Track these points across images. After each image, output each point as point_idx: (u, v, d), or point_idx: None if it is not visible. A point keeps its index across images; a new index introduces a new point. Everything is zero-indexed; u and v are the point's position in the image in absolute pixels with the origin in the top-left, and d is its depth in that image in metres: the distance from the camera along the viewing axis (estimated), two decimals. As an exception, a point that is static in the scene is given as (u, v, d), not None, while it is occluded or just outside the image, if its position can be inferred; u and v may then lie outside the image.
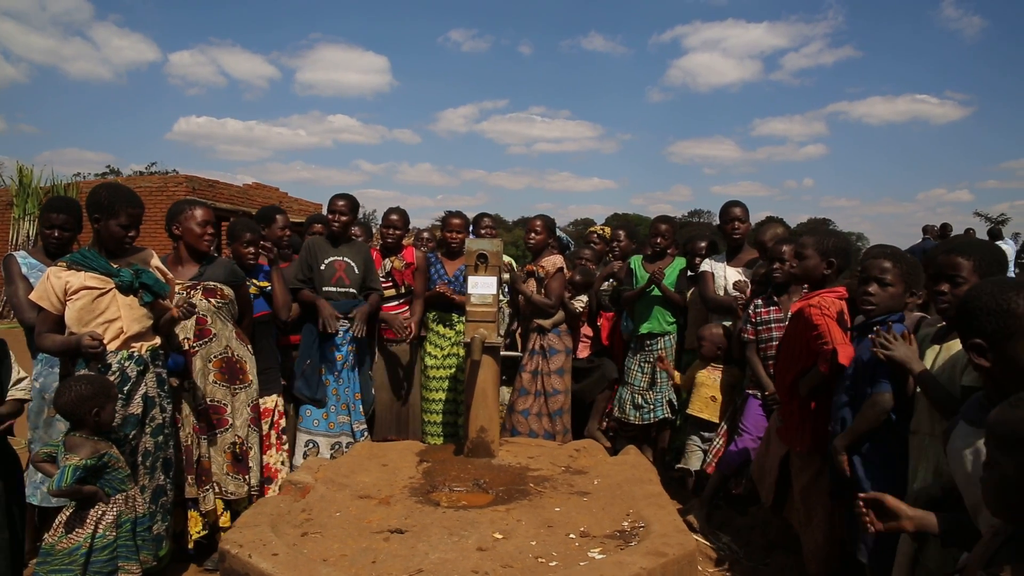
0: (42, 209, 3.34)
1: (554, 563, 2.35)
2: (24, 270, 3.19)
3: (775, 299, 3.60)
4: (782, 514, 3.32)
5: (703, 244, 4.60)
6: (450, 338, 4.44)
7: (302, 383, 3.86)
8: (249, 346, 3.46)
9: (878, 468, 2.42)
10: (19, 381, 2.68)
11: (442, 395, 4.44)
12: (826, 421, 2.71)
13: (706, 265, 4.30)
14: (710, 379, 4.05)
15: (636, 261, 4.70)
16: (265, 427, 3.62)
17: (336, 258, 4.06)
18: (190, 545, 3.18)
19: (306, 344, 3.92)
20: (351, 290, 4.04)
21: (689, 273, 4.60)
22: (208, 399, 3.24)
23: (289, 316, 3.81)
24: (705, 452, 3.99)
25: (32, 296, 2.78)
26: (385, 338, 4.34)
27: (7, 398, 2.63)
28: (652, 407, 4.41)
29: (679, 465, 4.11)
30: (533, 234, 4.55)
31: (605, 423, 4.73)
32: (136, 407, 2.79)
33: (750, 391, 3.70)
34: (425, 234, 5.47)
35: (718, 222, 4.55)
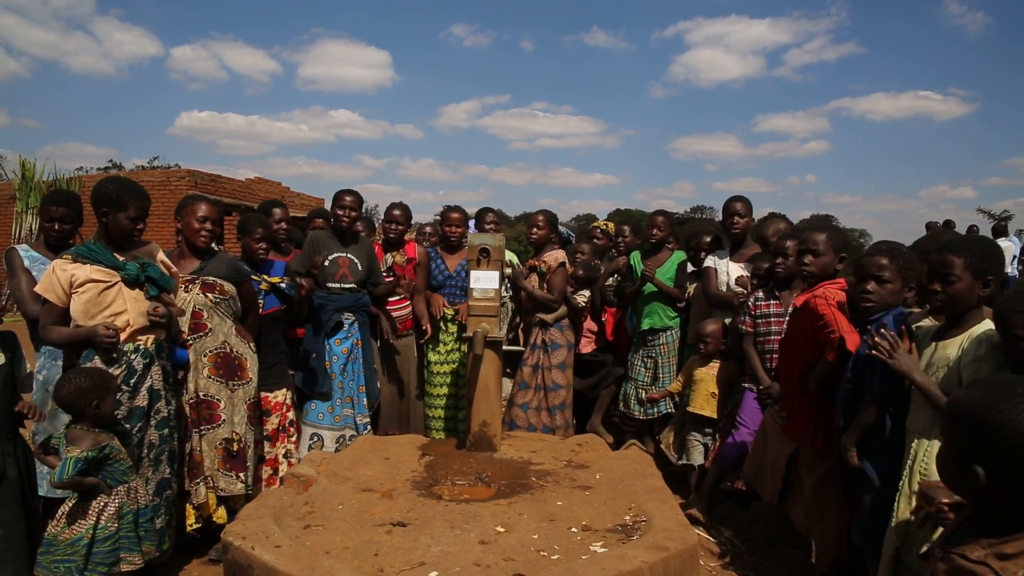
0: (42, 202, 3.35)
1: (556, 556, 2.35)
2: (26, 263, 3.19)
3: (776, 294, 3.60)
4: (784, 510, 3.32)
5: (707, 239, 4.59)
6: (454, 333, 4.45)
7: (307, 377, 3.87)
8: (251, 344, 3.42)
9: (883, 462, 2.42)
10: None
11: (445, 390, 4.45)
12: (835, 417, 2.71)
13: (709, 261, 4.30)
14: (709, 375, 4.05)
15: (636, 257, 4.70)
16: (275, 421, 3.63)
17: (340, 254, 4.06)
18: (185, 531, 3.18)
19: (310, 337, 3.93)
20: (354, 286, 4.05)
21: (692, 269, 4.59)
22: (201, 393, 3.20)
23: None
24: (706, 447, 4.00)
25: (37, 288, 2.79)
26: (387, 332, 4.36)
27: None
28: (655, 402, 4.42)
29: (681, 460, 4.11)
30: (535, 229, 4.55)
31: (613, 417, 4.75)
32: (142, 400, 2.80)
33: (747, 385, 3.71)
34: (427, 228, 5.47)
35: (720, 218, 4.54)
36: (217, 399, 3.24)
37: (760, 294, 3.66)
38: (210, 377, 3.23)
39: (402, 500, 2.87)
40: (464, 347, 4.36)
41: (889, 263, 2.50)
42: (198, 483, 3.16)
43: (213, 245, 3.39)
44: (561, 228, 5.38)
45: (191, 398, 3.18)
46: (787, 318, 3.44)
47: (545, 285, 4.36)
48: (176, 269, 3.10)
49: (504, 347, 3.94)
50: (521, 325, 4.73)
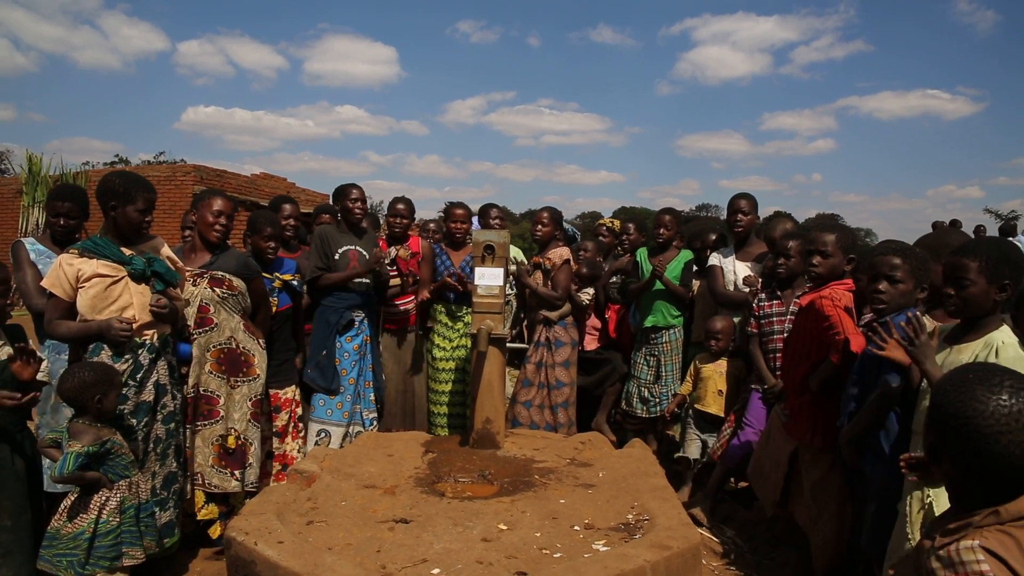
0: (48, 197, 3.36)
1: (558, 554, 2.35)
2: (32, 256, 3.20)
3: (778, 293, 3.59)
4: (786, 509, 3.31)
5: (712, 237, 4.57)
6: (458, 330, 4.45)
7: (316, 373, 3.87)
8: (260, 340, 3.41)
9: (889, 465, 2.40)
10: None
11: (449, 387, 4.44)
12: (837, 416, 2.70)
13: (714, 259, 4.28)
14: (716, 372, 4.05)
15: (642, 254, 4.69)
16: (284, 417, 3.64)
17: (350, 247, 4.07)
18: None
19: (320, 334, 3.93)
20: (364, 280, 4.04)
21: (696, 267, 4.58)
22: (201, 388, 3.19)
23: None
24: (704, 442, 4.02)
25: (44, 283, 2.79)
26: (390, 329, 4.36)
27: None
28: (658, 400, 4.43)
29: (678, 454, 4.12)
30: (540, 226, 4.54)
31: (616, 415, 4.75)
32: (148, 394, 2.80)
33: (754, 386, 3.70)
34: (432, 225, 5.46)
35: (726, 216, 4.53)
36: (216, 395, 3.23)
37: (763, 295, 3.66)
38: (211, 372, 3.22)
39: (405, 497, 2.87)
40: (469, 343, 4.35)
41: (902, 263, 2.44)
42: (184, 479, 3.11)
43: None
44: (566, 225, 5.37)
45: (189, 392, 3.17)
46: (788, 317, 3.44)
47: (549, 282, 4.36)
48: (181, 264, 3.10)
49: (508, 344, 3.93)
50: (525, 322, 4.73)
